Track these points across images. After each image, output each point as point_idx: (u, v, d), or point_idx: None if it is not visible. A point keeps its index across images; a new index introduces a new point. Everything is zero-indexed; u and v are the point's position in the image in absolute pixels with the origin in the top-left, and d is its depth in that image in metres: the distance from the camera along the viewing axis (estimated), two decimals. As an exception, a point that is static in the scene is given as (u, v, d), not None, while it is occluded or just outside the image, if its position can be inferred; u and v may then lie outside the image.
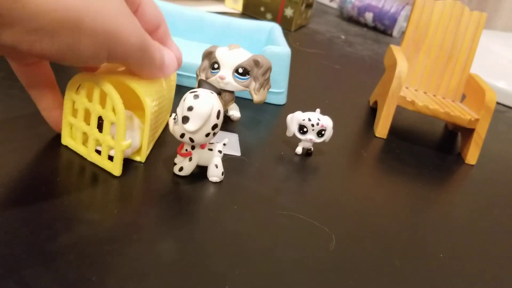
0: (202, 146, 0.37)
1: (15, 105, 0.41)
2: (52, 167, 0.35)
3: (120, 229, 0.31)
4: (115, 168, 0.35)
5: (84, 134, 0.36)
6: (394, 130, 0.58)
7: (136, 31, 0.30)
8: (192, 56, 0.54)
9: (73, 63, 0.28)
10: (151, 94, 0.36)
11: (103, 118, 0.34)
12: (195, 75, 0.53)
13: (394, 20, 1.12)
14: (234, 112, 0.49)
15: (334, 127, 0.46)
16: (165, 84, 0.39)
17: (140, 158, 0.38)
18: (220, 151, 0.38)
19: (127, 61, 0.31)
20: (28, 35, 0.24)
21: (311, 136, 0.45)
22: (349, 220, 0.39)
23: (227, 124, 0.49)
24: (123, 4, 0.28)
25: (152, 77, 0.35)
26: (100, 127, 0.35)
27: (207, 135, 0.35)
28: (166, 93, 0.40)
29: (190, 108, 0.34)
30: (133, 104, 0.37)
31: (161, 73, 0.35)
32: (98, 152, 0.36)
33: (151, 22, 0.34)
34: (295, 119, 0.45)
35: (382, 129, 0.56)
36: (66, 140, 0.37)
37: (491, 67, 0.87)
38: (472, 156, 0.56)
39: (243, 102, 0.52)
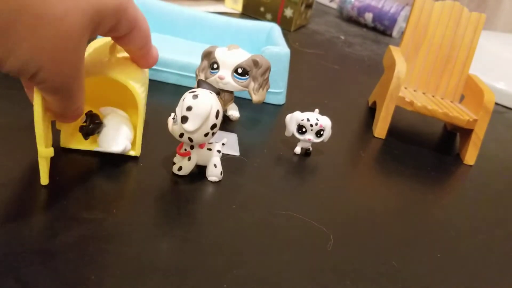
0: (201, 146, 0.37)
1: (14, 105, 0.41)
2: (52, 166, 0.35)
3: (119, 228, 0.31)
4: (41, 176, 0.33)
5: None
6: (392, 131, 0.58)
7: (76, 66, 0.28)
8: (192, 56, 0.54)
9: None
10: (140, 85, 0.36)
11: None
12: (194, 75, 0.53)
13: (393, 20, 1.12)
14: (233, 112, 0.49)
15: (333, 128, 0.46)
16: (143, 74, 0.39)
17: (135, 152, 0.38)
18: (219, 151, 0.38)
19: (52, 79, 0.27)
20: None
21: (310, 136, 0.45)
22: (347, 220, 0.39)
23: (226, 124, 0.49)
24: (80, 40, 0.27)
25: (61, 113, 0.31)
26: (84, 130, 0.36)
27: (206, 135, 0.35)
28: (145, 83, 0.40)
29: (189, 108, 0.34)
30: (120, 101, 0.37)
31: (68, 114, 0.32)
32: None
33: (139, 43, 0.34)
34: (294, 119, 0.46)
35: (380, 129, 0.56)
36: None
37: (490, 68, 0.87)
38: (470, 156, 0.56)
39: (242, 102, 0.52)
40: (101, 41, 0.38)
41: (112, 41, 0.35)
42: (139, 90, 0.36)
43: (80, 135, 0.37)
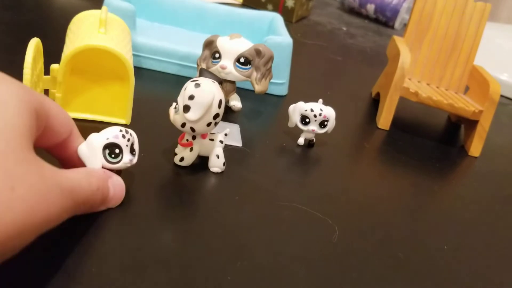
0: (203, 136, 0.37)
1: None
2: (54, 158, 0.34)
3: (120, 219, 0.30)
4: None
5: None
6: (396, 122, 0.57)
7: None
8: (193, 46, 0.53)
9: None
10: (127, 51, 0.39)
11: None
12: (195, 65, 0.52)
13: (395, 12, 1.11)
14: (235, 102, 0.48)
15: (336, 119, 0.46)
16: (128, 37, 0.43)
17: (125, 120, 0.41)
18: (221, 141, 0.38)
19: None
20: None
21: (314, 127, 0.45)
22: (352, 212, 0.38)
23: (228, 114, 0.48)
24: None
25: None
26: None
27: (209, 124, 0.34)
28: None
29: (191, 97, 0.33)
30: (107, 69, 0.39)
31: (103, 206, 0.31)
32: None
33: (60, 134, 0.30)
34: (297, 109, 0.45)
35: (384, 120, 0.56)
36: None
37: (494, 60, 0.86)
38: (475, 148, 0.55)
39: (244, 93, 0.52)
40: (90, 15, 0.41)
41: (101, 17, 0.38)
42: (127, 56, 0.38)
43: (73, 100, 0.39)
